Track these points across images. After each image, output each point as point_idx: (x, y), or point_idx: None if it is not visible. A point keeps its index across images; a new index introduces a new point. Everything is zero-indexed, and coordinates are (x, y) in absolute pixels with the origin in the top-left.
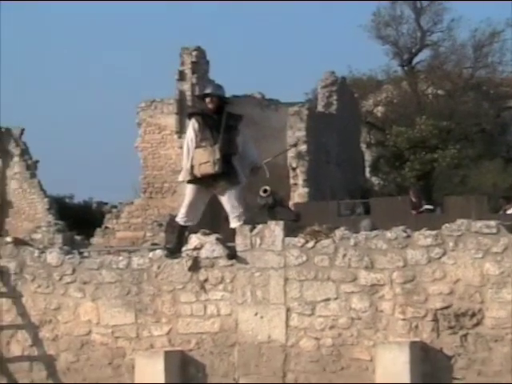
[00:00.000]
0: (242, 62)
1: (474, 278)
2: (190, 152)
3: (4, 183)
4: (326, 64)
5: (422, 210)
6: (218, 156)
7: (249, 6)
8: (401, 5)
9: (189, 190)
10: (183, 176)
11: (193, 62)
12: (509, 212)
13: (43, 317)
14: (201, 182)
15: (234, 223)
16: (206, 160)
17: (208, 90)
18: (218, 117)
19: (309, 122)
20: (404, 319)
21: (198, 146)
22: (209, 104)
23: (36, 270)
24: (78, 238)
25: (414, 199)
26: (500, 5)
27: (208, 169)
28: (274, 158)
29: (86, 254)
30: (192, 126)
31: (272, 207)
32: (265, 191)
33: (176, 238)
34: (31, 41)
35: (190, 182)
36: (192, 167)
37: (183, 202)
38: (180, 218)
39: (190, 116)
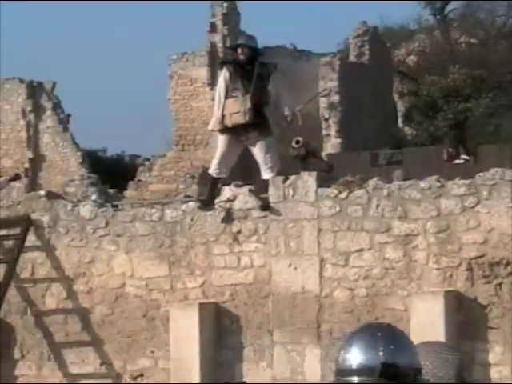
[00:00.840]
0: (273, 14)
1: (508, 226)
2: (221, 101)
3: (37, 137)
4: (358, 14)
5: (458, 161)
6: (249, 106)
7: None
8: None
9: (220, 142)
10: (213, 125)
11: (224, 14)
12: None
13: (77, 270)
14: (232, 132)
15: (266, 174)
16: (237, 110)
17: (240, 41)
18: (251, 67)
19: (341, 72)
20: (438, 269)
21: (229, 96)
22: (240, 55)
23: (69, 223)
24: (111, 191)
25: (450, 149)
26: None
27: (239, 119)
28: (305, 105)
29: (119, 207)
30: (223, 75)
31: (304, 158)
32: (297, 142)
33: (209, 190)
34: None
35: (220, 131)
36: (223, 117)
37: (216, 153)
38: (212, 170)
39: (222, 64)
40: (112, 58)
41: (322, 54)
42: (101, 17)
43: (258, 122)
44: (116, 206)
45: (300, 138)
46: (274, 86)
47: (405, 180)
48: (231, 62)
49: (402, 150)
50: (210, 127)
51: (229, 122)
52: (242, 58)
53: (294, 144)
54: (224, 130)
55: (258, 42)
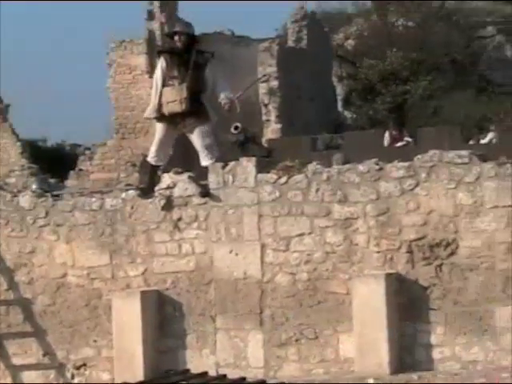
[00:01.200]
0: None
1: (447, 208)
2: (158, 90)
3: None
4: None
5: (402, 143)
6: (185, 95)
7: None
8: None
9: (158, 129)
10: (149, 112)
11: (161, 1)
12: (482, 141)
13: (18, 260)
14: (169, 120)
15: (204, 161)
16: (173, 99)
17: (176, 28)
18: (187, 55)
19: (279, 57)
20: (379, 252)
21: (166, 85)
22: (177, 42)
23: (9, 213)
24: (52, 180)
25: (394, 132)
26: None
27: (175, 107)
28: (245, 91)
29: (59, 197)
30: (160, 64)
31: (243, 144)
32: (236, 128)
33: (148, 178)
34: None
35: (157, 119)
36: (160, 105)
37: (153, 141)
38: (151, 158)
39: (159, 54)
40: (51, 46)
41: (261, 40)
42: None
43: (195, 110)
44: (56, 195)
45: (239, 124)
46: (212, 73)
47: (344, 164)
48: (168, 50)
49: (341, 134)
50: (145, 115)
51: (165, 111)
52: (178, 45)
53: (232, 130)
54: (161, 118)
55: (194, 28)
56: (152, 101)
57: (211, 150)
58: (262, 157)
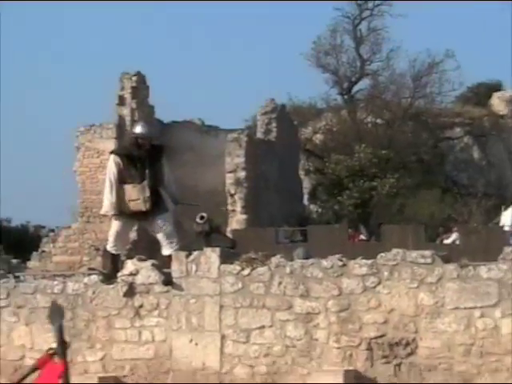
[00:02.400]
0: (181, 88)
1: (408, 307)
2: (114, 187)
3: None
4: (266, 91)
5: (358, 239)
6: (148, 193)
7: (191, 31)
8: (341, 34)
9: (115, 223)
10: (106, 209)
11: (133, 87)
12: (446, 242)
13: None
14: (128, 215)
15: (165, 250)
16: (136, 197)
17: (140, 131)
18: (142, 152)
19: (248, 148)
20: (338, 348)
21: (125, 182)
22: (141, 146)
23: None
24: (14, 261)
25: (350, 230)
26: (439, 36)
27: (139, 206)
28: (188, 205)
29: (21, 278)
30: (113, 160)
31: (208, 234)
32: (201, 218)
33: (110, 264)
34: None
35: (115, 216)
36: (119, 202)
37: (110, 231)
38: (110, 247)
39: (114, 154)
40: (19, 127)
41: (230, 130)
42: (11, 85)
43: (155, 202)
44: (18, 276)
45: (204, 214)
46: (166, 166)
47: (307, 258)
48: (126, 154)
49: (304, 228)
50: (102, 211)
51: (127, 209)
52: (140, 152)
53: (198, 220)
54: (119, 213)
55: (156, 129)
56: (108, 198)
57: (172, 238)
58: (227, 247)
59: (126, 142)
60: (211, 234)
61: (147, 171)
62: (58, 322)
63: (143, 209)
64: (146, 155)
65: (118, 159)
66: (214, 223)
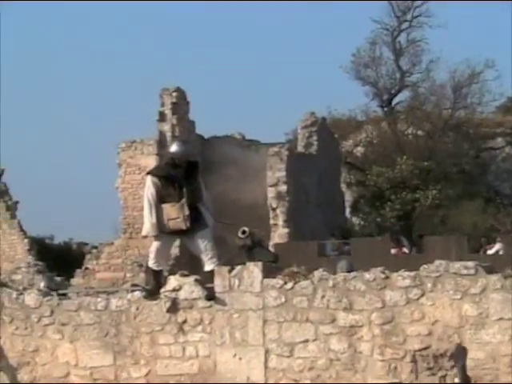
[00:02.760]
0: (222, 103)
1: (452, 319)
2: (153, 208)
3: None
4: (306, 105)
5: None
6: (187, 212)
7: (230, 45)
8: (380, 46)
9: (156, 240)
10: (148, 231)
11: (173, 103)
12: (489, 252)
13: (21, 358)
14: (168, 233)
15: (208, 266)
16: (175, 216)
17: (176, 150)
18: (179, 170)
19: (289, 162)
20: (383, 360)
21: (163, 202)
22: (177, 167)
23: (14, 311)
24: (58, 278)
25: (392, 243)
26: (479, 46)
27: (179, 225)
28: (223, 223)
29: (64, 296)
30: (151, 181)
31: (250, 248)
32: (243, 232)
33: (153, 280)
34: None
35: (155, 236)
36: (159, 222)
37: (151, 247)
38: (151, 264)
39: (150, 174)
40: (61, 145)
41: (271, 144)
42: (53, 103)
43: (195, 218)
44: (62, 294)
45: (246, 229)
46: (202, 182)
47: (350, 271)
48: (163, 175)
49: (347, 241)
50: (143, 233)
51: (167, 228)
52: (178, 172)
53: (240, 234)
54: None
55: (191, 148)
56: (148, 219)
57: (213, 254)
58: (269, 262)
59: (162, 162)
60: (253, 249)
61: (185, 189)
62: None
63: (183, 227)
64: (182, 173)
65: (155, 179)
66: (256, 237)
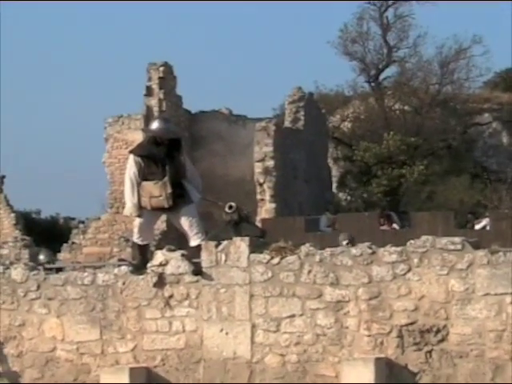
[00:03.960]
0: (209, 78)
1: (438, 294)
2: (135, 187)
3: None
4: (294, 80)
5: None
6: (169, 190)
7: (217, 20)
8: (367, 21)
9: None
10: (129, 211)
11: (160, 78)
12: (476, 227)
13: (8, 333)
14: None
15: (193, 241)
16: (157, 194)
17: (155, 127)
18: (161, 148)
19: (276, 137)
20: (369, 335)
21: (146, 180)
22: (159, 146)
23: (0, 285)
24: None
25: (381, 219)
26: (466, 21)
27: (161, 203)
28: (209, 202)
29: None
30: (133, 160)
31: (237, 223)
32: (230, 207)
33: (139, 255)
34: None
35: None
36: (139, 199)
37: (134, 222)
38: (136, 239)
39: (132, 153)
40: (46, 119)
41: (258, 119)
42: (39, 78)
43: (179, 194)
44: (48, 269)
45: (233, 204)
46: (186, 157)
47: (350, 242)
48: (146, 155)
49: (335, 216)
50: (125, 212)
51: (148, 205)
52: (160, 152)
53: (226, 209)
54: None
55: (174, 128)
56: (130, 199)
57: (198, 229)
58: (256, 237)
59: (144, 141)
60: (240, 224)
61: (168, 167)
62: None
63: (165, 205)
64: (165, 151)
65: (137, 158)
66: (243, 212)
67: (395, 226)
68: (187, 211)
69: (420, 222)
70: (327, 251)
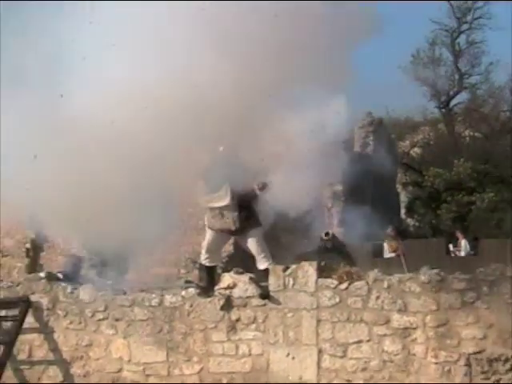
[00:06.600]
0: None
1: (507, 323)
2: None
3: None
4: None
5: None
6: (236, 213)
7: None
8: (439, 47)
9: (208, 235)
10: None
11: None
12: None
13: (74, 353)
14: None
15: (261, 265)
16: (225, 216)
17: None
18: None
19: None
20: (436, 363)
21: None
22: None
23: (68, 305)
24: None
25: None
26: None
27: (228, 225)
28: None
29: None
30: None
31: (328, 252)
32: (326, 234)
33: (206, 277)
34: None
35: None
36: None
37: (203, 243)
38: (204, 260)
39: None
40: None
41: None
42: None
43: (246, 216)
44: (116, 289)
45: (330, 231)
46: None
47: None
48: None
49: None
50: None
51: (215, 226)
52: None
53: (323, 235)
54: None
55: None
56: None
57: (265, 253)
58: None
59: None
60: (331, 253)
61: (235, 194)
62: None
63: (232, 228)
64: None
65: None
66: (337, 241)
67: (462, 253)
68: (254, 235)
69: (489, 250)
70: (395, 277)
